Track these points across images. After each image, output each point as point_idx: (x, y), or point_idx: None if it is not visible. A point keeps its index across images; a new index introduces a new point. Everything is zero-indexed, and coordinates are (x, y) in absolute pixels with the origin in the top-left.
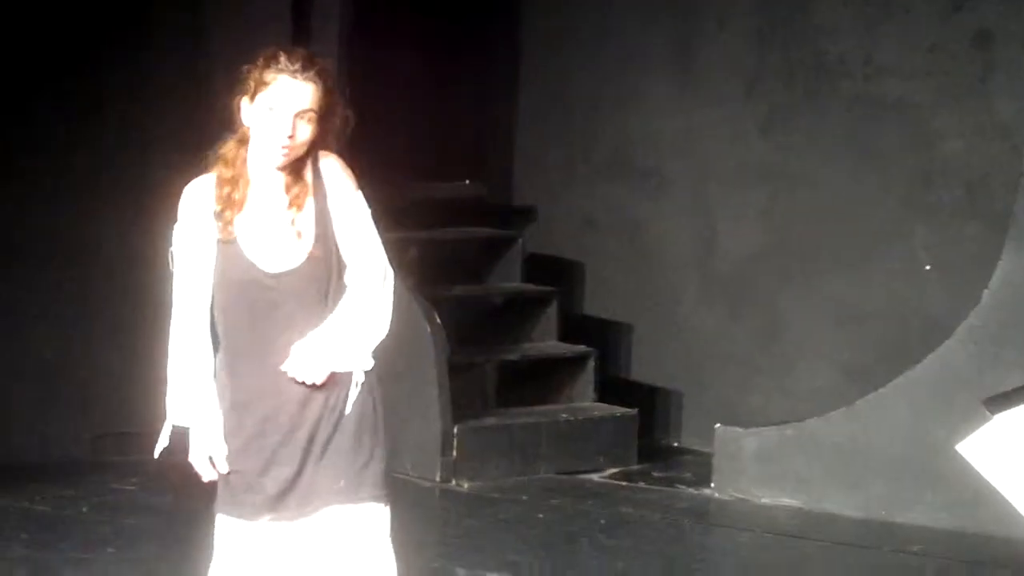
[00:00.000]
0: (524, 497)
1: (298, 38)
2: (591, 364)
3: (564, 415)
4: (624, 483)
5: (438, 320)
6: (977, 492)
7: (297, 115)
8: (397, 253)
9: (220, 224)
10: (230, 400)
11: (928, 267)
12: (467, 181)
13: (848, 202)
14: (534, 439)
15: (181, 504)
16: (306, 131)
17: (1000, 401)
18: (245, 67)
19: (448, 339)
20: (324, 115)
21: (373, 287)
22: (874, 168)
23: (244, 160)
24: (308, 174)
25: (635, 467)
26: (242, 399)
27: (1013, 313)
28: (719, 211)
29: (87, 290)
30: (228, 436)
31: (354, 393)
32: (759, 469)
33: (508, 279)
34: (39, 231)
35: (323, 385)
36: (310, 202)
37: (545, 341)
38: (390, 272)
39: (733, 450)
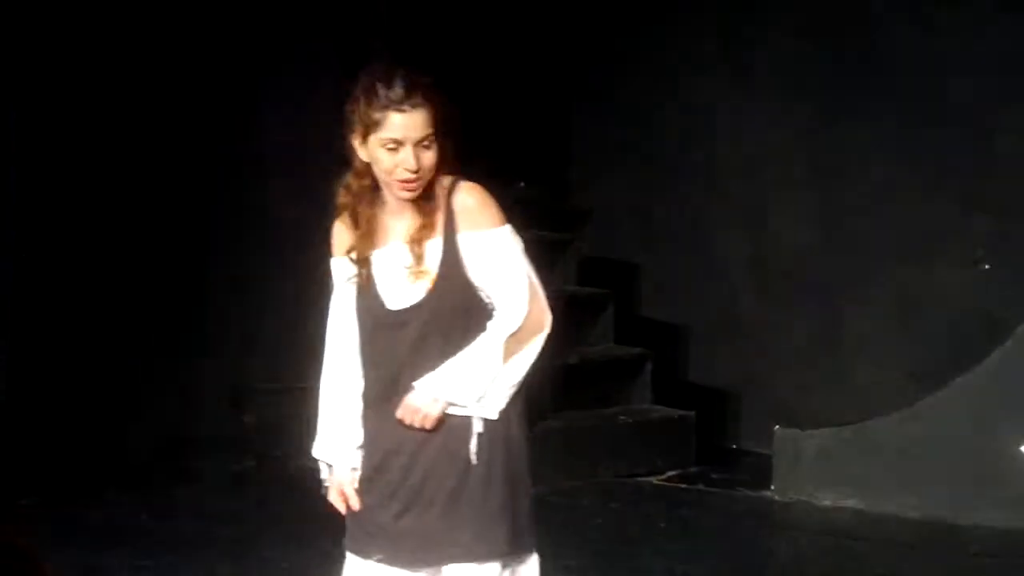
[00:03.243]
0: (583, 501)
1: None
2: (648, 366)
3: (622, 417)
4: (683, 486)
5: None
6: None
7: (416, 145)
8: None
9: (356, 261)
10: (366, 436)
11: (987, 265)
12: (521, 184)
13: (905, 199)
14: (592, 442)
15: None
16: (429, 157)
17: None
18: (348, 107)
19: None
20: (442, 132)
21: (502, 331)
22: (931, 165)
23: (369, 196)
24: (440, 208)
25: (694, 469)
26: (371, 435)
27: None
28: (774, 210)
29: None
30: (362, 471)
31: (475, 442)
32: (819, 471)
33: (564, 282)
34: None
35: (438, 429)
36: (437, 239)
37: (602, 344)
38: (538, 317)
39: (792, 452)
